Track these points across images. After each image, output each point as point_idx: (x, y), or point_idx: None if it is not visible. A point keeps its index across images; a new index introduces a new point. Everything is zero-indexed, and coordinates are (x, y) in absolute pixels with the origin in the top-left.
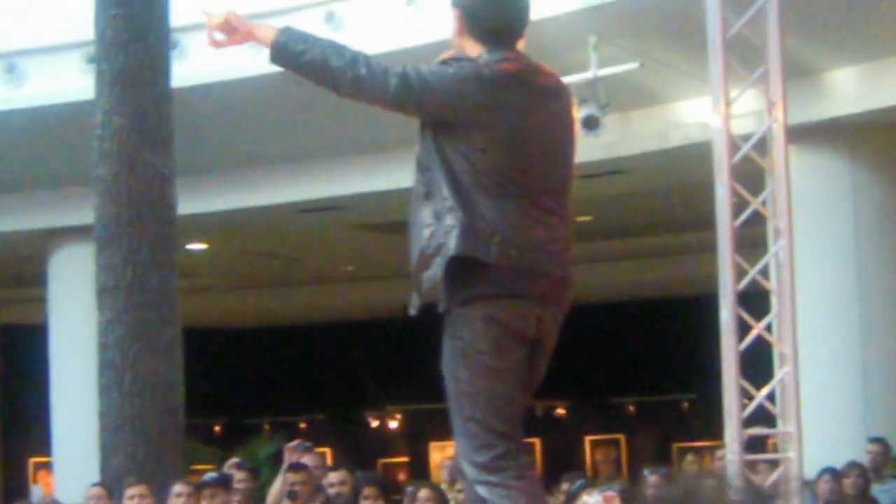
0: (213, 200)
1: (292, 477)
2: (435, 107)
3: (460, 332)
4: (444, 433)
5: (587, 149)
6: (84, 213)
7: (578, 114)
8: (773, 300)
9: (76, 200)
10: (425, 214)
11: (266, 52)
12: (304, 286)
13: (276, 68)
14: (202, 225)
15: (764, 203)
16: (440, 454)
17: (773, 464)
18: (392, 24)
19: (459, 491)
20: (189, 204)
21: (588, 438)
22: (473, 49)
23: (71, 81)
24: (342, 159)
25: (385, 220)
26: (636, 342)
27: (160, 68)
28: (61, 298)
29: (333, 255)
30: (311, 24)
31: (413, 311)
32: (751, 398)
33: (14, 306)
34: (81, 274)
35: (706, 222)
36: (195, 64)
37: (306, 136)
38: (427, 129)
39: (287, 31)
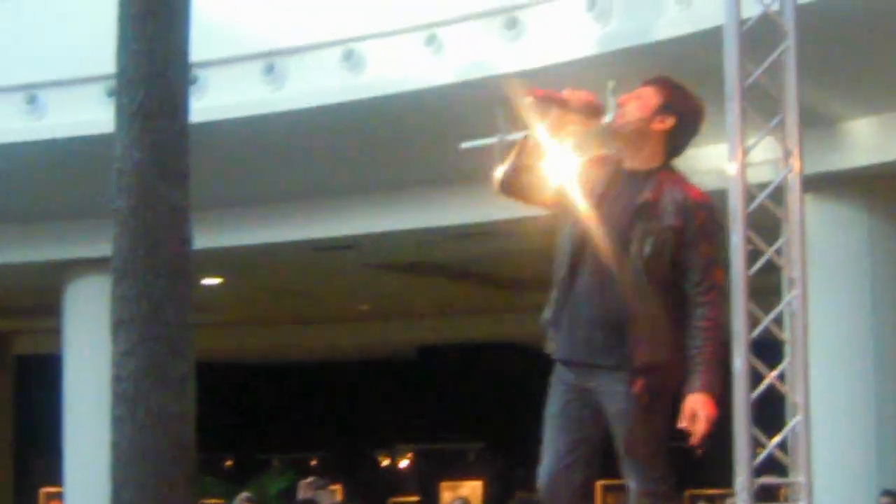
0: (229, 236)
1: None
2: None
3: None
4: (455, 472)
5: None
6: (100, 246)
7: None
8: (787, 349)
9: (93, 232)
10: None
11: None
12: (318, 323)
13: (296, 105)
14: (217, 260)
15: (779, 252)
16: (450, 494)
17: None
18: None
19: None
20: (205, 239)
21: (600, 484)
22: (656, 152)
23: (91, 114)
24: (358, 198)
25: (399, 260)
26: None
27: (179, 103)
28: (76, 330)
29: (347, 293)
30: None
31: None
32: (762, 447)
33: (29, 336)
34: (96, 306)
35: None
36: (214, 99)
37: (323, 174)
38: None
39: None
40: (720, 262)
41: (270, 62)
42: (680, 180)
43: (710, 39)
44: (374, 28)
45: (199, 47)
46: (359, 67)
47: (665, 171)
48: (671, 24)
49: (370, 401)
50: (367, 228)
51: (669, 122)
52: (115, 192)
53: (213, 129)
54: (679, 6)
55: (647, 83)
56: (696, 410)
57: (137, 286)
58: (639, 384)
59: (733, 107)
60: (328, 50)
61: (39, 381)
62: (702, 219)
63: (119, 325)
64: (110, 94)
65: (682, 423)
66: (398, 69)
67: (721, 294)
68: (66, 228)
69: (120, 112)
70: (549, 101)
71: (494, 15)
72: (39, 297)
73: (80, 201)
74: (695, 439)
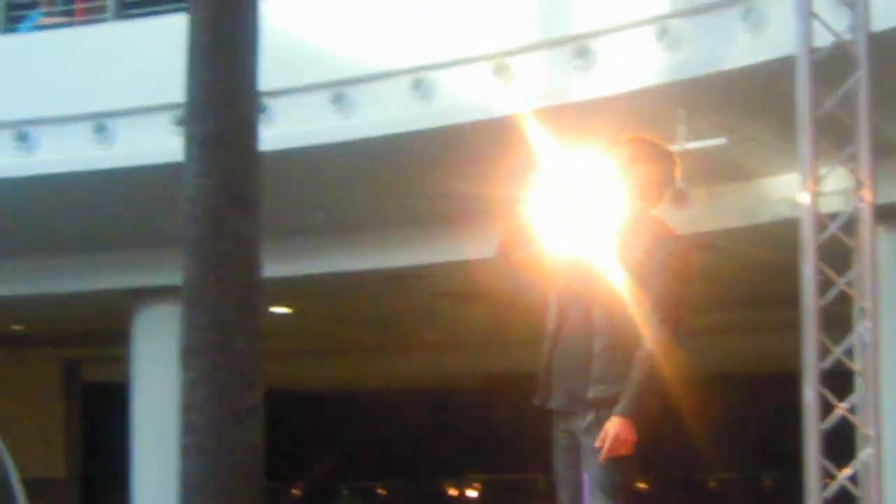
0: (299, 265)
1: None
2: None
3: None
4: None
5: (674, 223)
6: (170, 274)
7: None
8: (858, 380)
9: (162, 261)
10: None
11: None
12: (387, 352)
13: (365, 134)
14: (287, 289)
15: (850, 283)
16: None
17: None
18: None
19: None
20: (274, 268)
21: None
22: (638, 200)
23: (159, 143)
24: (428, 227)
25: (468, 289)
26: (717, 418)
27: (248, 132)
28: (144, 358)
29: (417, 322)
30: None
31: None
32: (833, 478)
33: (98, 364)
34: (165, 334)
35: (790, 299)
36: (282, 128)
37: (392, 203)
38: None
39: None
40: (677, 298)
41: (340, 91)
42: (652, 221)
43: (781, 68)
44: (443, 57)
45: (269, 76)
46: (428, 96)
47: (643, 217)
48: (742, 52)
49: (439, 429)
50: (438, 258)
51: (646, 171)
52: (184, 221)
53: (283, 157)
54: (750, 35)
55: (614, 142)
56: (607, 431)
57: (207, 315)
58: (587, 418)
59: (805, 137)
60: (398, 79)
61: (108, 408)
62: (660, 255)
63: (189, 354)
64: (179, 122)
65: (597, 443)
66: (468, 98)
67: (667, 327)
68: (136, 257)
69: (189, 141)
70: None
71: (565, 44)
72: (108, 325)
73: (149, 230)
74: (602, 457)
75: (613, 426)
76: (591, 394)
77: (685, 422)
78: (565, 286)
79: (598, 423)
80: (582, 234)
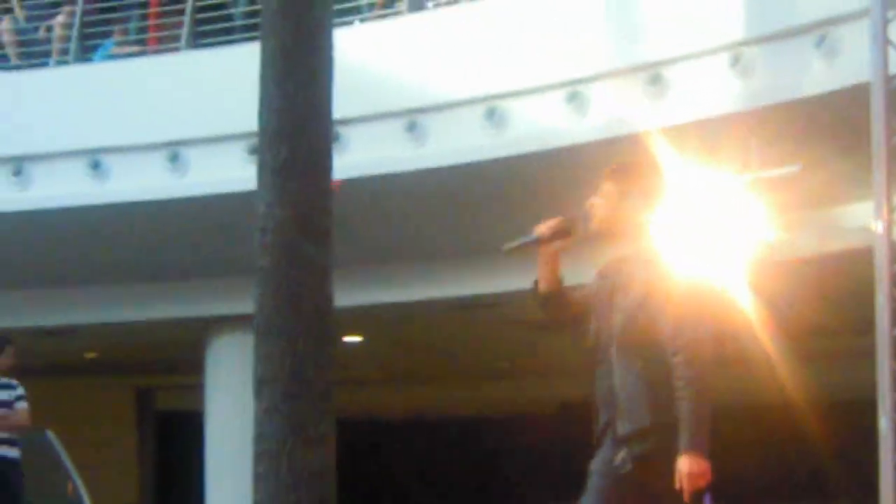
0: (370, 294)
1: None
2: None
3: None
4: None
5: (750, 251)
6: (243, 303)
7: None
8: None
9: (236, 290)
10: None
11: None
12: (459, 381)
13: (438, 163)
14: (358, 318)
15: None
16: None
17: None
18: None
19: None
20: (346, 297)
21: None
22: (633, 236)
23: (233, 172)
24: (499, 256)
25: (533, 319)
26: (789, 447)
27: (322, 161)
28: (218, 386)
29: (488, 350)
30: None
31: None
32: None
33: (171, 393)
34: (238, 363)
35: (864, 328)
36: (356, 157)
37: (465, 231)
38: None
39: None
40: (698, 322)
41: (413, 119)
42: (658, 252)
43: (856, 96)
44: (516, 85)
45: (342, 104)
46: (501, 125)
47: (646, 246)
48: (816, 80)
49: (511, 458)
50: (510, 286)
51: (633, 206)
52: (257, 250)
53: (356, 186)
54: (825, 62)
55: (606, 177)
56: (680, 471)
57: (281, 344)
58: (619, 455)
59: (880, 164)
60: (471, 107)
61: (181, 437)
62: (666, 282)
63: (262, 383)
64: (252, 151)
65: (677, 485)
66: (540, 126)
67: (694, 352)
68: (209, 286)
69: (262, 169)
70: (523, 247)
71: (637, 71)
72: (182, 353)
73: (222, 259)
74: (686, 497)
75: (685, 464)
76: (620, 430)
77: (757, 451)
78: (594, 330)
79: (631, 459)
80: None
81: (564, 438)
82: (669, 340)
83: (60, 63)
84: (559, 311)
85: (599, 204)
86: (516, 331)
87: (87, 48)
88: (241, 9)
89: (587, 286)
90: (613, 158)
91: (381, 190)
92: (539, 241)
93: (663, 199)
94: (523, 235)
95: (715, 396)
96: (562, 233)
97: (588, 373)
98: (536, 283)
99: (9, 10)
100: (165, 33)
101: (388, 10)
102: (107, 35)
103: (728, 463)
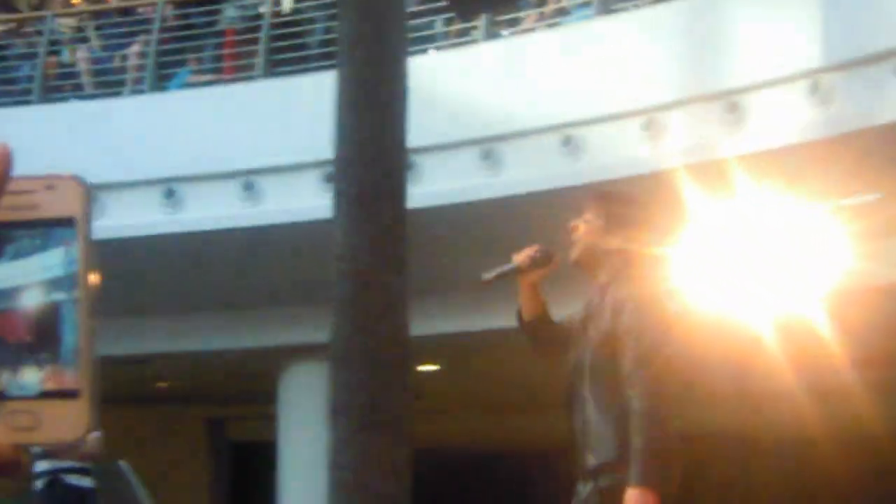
0: (447, 322)
1: None
2: None
3: None
4: None
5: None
6: (318, 332)
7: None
8: None
9: (310, 319)
10: None
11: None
12: (536, 412)
13: (514, 191)
14: (435, 347)
15: None
16: None
17: None
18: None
19: None
20: (422, 325)
21: None
22: (614, 264)
23: (308, 201)
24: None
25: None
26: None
27: (397, 189)
28: (292, 416)
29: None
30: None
31: None
32: None
33: (245, 423)
34: (312, 392)
35: None
36: (431, 185)
37: None
38: None
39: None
40: (656, 354)
41: (488, 148)
42: (628, 284)
43: None
44: (592, 112)
45: (417, 133)
46: (577, 152)
47: (621, 278)
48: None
49: None
50: None
51: (616, 233)
52: (333, 279)
53: (431, 214)
54: None
55: (587, 205)
56: None
57: (355, 373)
58: (587, 489)
59: None
60: (546, 135)
61: (254, 467)
62: (630, 312)
63: (337, 413)
64: (328, 179)
65: None
66: (617, 154)
67: (649, 385)
68: (283, 315)
69: (338, 198)
70: (502, 276)
71: (715, 98)
72: (256, 383)
73: (297, 287)
74: None
75: (630, 499)
76: (589, 463)
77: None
78: (571, 361)
79: (598, 493)
80: (728, 286)
81: None
82: (628, 372)
83: (135, 92)
84: (546, 340)
85: (580, 232)
86: None
87: (162, 77)
88: (317, 37)
89: (572, 315)
90: (690, 186)
91: (457, 218)
92: (518, 270)
93: (648, 232)
94: (502, 264)
95: (681, 428)
96: (540, 261)
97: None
98: (520, 311)
99: (84, 40)
100: (240, 62)
101: (463, 39)
102: (182, 64)
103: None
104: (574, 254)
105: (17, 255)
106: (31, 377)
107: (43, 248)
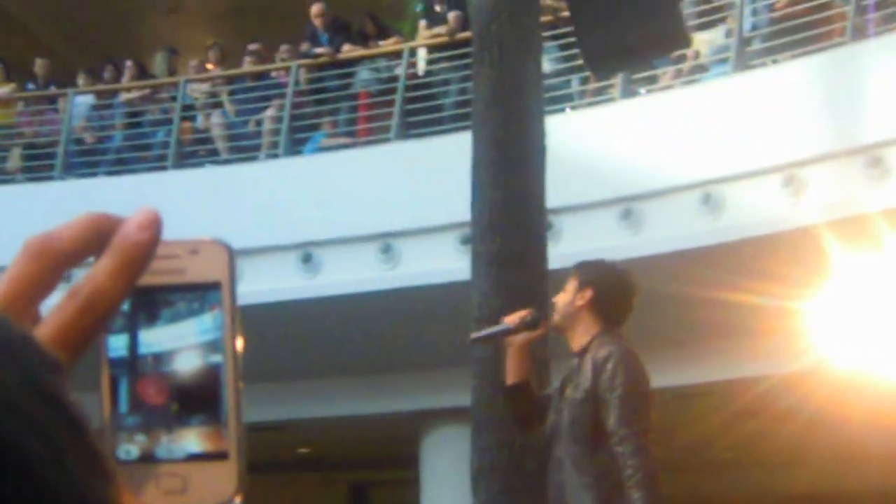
0: None
1: None
2: None
3: None
4: None
5: None
6: (458, 395)
7: None
8: None
9: (450, 382)
10: None
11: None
12: (673, 471)
13: (655, 250)
14: None
15: None
16: None
17: None
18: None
19: None
20: None
21: None
22: (588, 325)
23: (446, 262)
24: (717, 344)
25: (761, 407)
26: None
27: (537, 250)
28: (434, 481)
29: (704, 440)
30: None
31: None
32: None
33: (387, 488)
34: (455, 456)
35: None
36: (570, 246)
37: (680, 320)
38: None
39: None
40: (636, 412)
41: (627, 207)
42: (609, 342)
43: None
44: (732, 169)
45: (555, 192)
46: (718, 210)
47: (599, 338)
48: None
49: None
50: (728, 374)
51: (588, 295)
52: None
53: (570, 274)
54: None
55: (571, 273)
56: None
57: (496, 436)
58: None
59: None
60: (686, 193)
61: None
62: (610, 372)
63: (479, 476)
64: (465, 241)
65: None
66: (757, 211)
67: (639, 442)
68: (423, 378)
69: (476, 260)
70: (492, 337)
71: (856, 153)
72: (397, 448)
73: (436, 350)
74: None
75: None
76: None
77: None
78: (552, 416)
79: None
80: (872, 343)
81: None
82: (613, 431)
83: (270, 156)
84: (525, 406)
85: (560, 299)
86: (736, 420)
87: (296, 141)
88: (451, 98)
89: (551, 388)
90: (832, 242)
91: None
92: (508, 332)
93: (628, 298)
94: (493, 326)
95: (664, 488)
96: (531, 324)
97: (816, 463)
98: (504, 375)
99: (218, 105)
100: (375, 124)
101: (600, 97)
102: (316, 127)
103: None
104: (554, 319)
105: (174, 319)
106: (182, 439)
107: (199, 311)
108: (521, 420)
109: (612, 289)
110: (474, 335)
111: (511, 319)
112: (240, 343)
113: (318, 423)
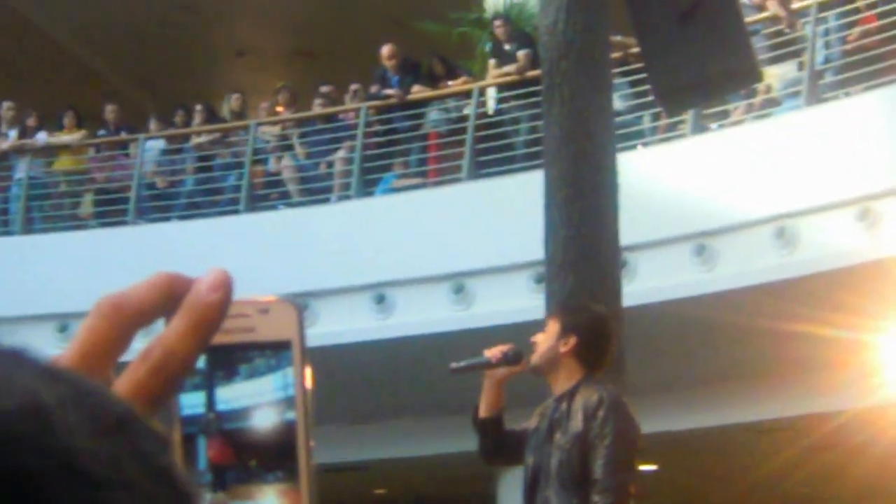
0: (664, 421)
1: None
2: None
3: None
4: None
5: None
6: None
7: None
8: None
9: (525, 421)
10: None
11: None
12: None
13: (729, 286)
14: (653, 445)
15: None
16: None
17: None
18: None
19: None
20: (640, 424)
21: None
22: (571, 371)
23: (519, 302)
24: (793, 378)
25: (836, 441)
26: None
27: (611, 288)
28: None
29: (783, 476)
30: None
31: None
32: None
33: None
34: None
35: None
36: (645, 283)
37: (757, 354)
38: None
39: None
40: (624, 463)
41: (701, 243)
42: (598, 388)
43: None
44: (805, 203)
45: (628, 230)
46: (792, 244)
47: (584, 384)
48: None
49: None
50: (805, 409)
51: (572, 341)
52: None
53: (645, 312)
54: None
55: (549, 316)
56: None
57: None
58: None
59: None
60: (759, 227)
61: None
62: (601, 419)
63: None
64: (539, 280)
65: None
66: (831, 245)
67: (616, 495)
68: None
69: (550, 299)
70: (471, 368)
71: None
72: (473, 486)
73: (511, 390)
74: None
75: None
76: None
77: None
78: (535, 458)
79: None
80: None
81: None
82: (597, 480)
83: (342, 198)
84: (494, 440)
85: (541, 341)
86: (812, 456)
87: (368, 182)
88: (522, 137)
89: (526, 423)
90: None
91: (671, 315)
92: (488, 365)
93: (609, 349)
94: (473, 357)
95: None
96: (511, 359)
97: (892, 499)
98: (476, 407)
99: (289, 148)
100: (446, 164)
101: (672, 133)
102: (387, 168)
103: None
104: (532, 360)
105: (251, 376)
106: (261, 495)
107: (275, 368)
108: (487, 453)
109: (595, 337)
110: (454, 365)
111: (492, 353)
112: (310, 401)
113: (395, 463)
